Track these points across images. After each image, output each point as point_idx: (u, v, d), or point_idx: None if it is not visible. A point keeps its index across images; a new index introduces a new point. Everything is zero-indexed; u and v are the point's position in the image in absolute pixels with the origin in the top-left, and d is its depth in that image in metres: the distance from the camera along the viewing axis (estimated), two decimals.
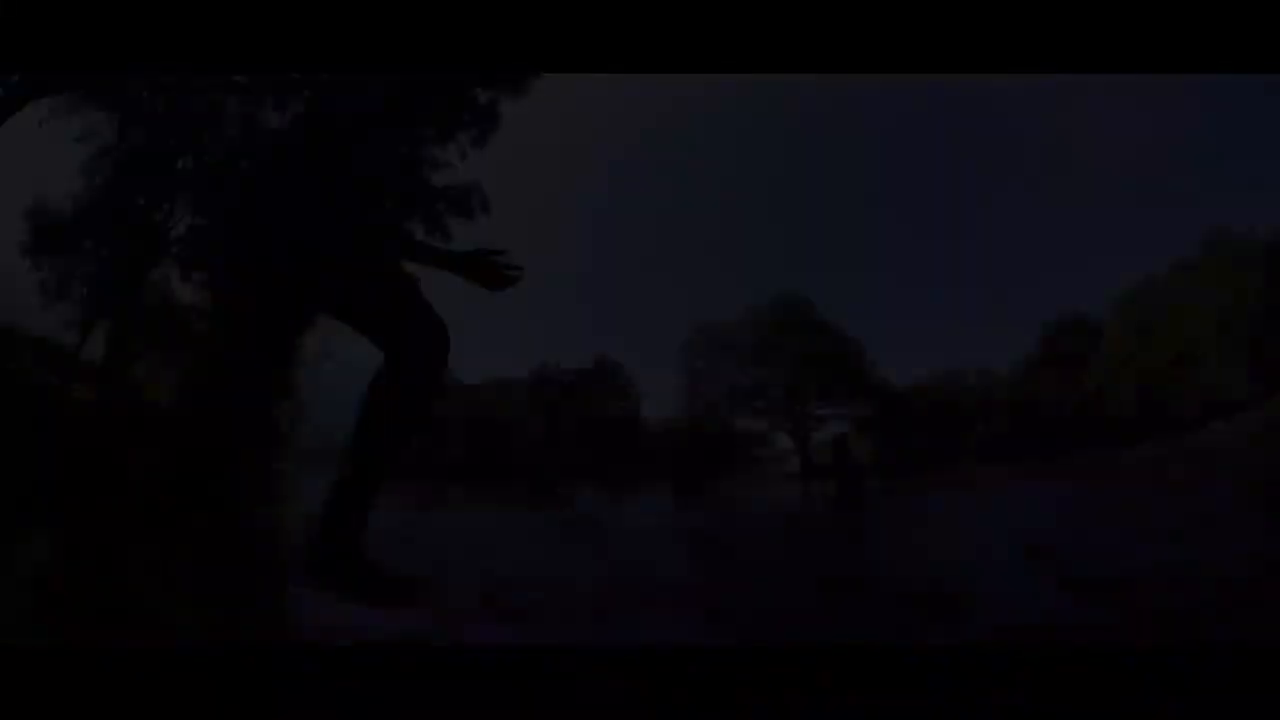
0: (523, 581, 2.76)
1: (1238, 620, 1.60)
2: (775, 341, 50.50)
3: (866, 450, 46.61)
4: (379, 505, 1.79)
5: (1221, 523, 3.39)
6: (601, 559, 3.91)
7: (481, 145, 18.15)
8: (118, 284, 24.74)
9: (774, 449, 54.61)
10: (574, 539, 5.44)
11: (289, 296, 1.79)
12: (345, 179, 1.78)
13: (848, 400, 51.01)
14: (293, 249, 1.74)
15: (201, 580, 2.14)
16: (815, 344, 50.01)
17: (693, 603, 2.49)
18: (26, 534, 2.34)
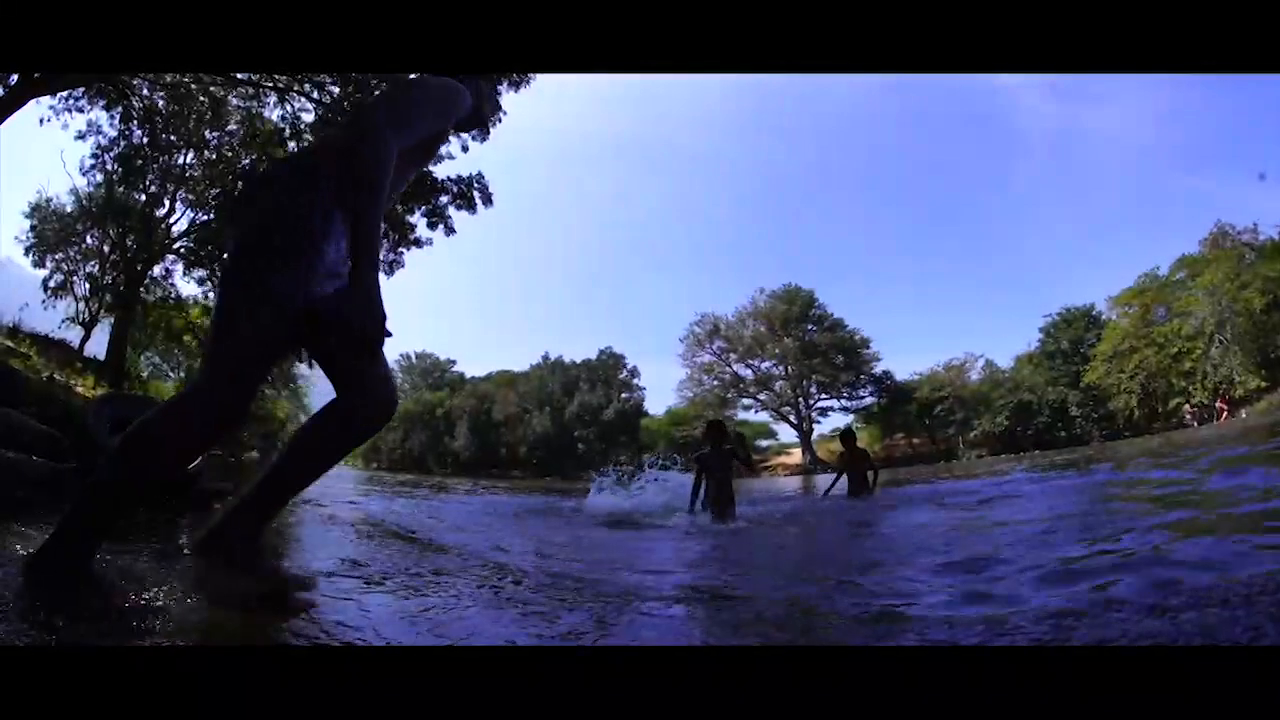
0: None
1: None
2: (779, 334, 50.55)
3: (870, 441, 46.66)
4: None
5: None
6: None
7: (484, 138, 18.11)
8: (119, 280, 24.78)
9: (778, 441, 54.78)
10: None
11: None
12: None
13: (851, 392, 51.12)
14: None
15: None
16: (818, 336, 50.07)
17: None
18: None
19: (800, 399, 50.82)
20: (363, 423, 1.84)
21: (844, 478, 8.80)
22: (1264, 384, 32.34)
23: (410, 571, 2.68)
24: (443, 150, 18.34)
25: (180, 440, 1.70)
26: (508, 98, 17.85)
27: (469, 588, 2.39)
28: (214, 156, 23.08)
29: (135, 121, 20.57)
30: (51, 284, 26.23)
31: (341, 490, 10.93)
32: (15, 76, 13.64)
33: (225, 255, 1.61)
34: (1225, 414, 31.14)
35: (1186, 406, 35.09)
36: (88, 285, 26.56)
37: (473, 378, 62.11)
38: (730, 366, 53.07)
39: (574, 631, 1.82)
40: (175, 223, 25.02)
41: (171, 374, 32.25)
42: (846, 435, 9.51)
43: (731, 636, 1.87)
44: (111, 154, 21.21)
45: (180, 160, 23.59)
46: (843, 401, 51.90)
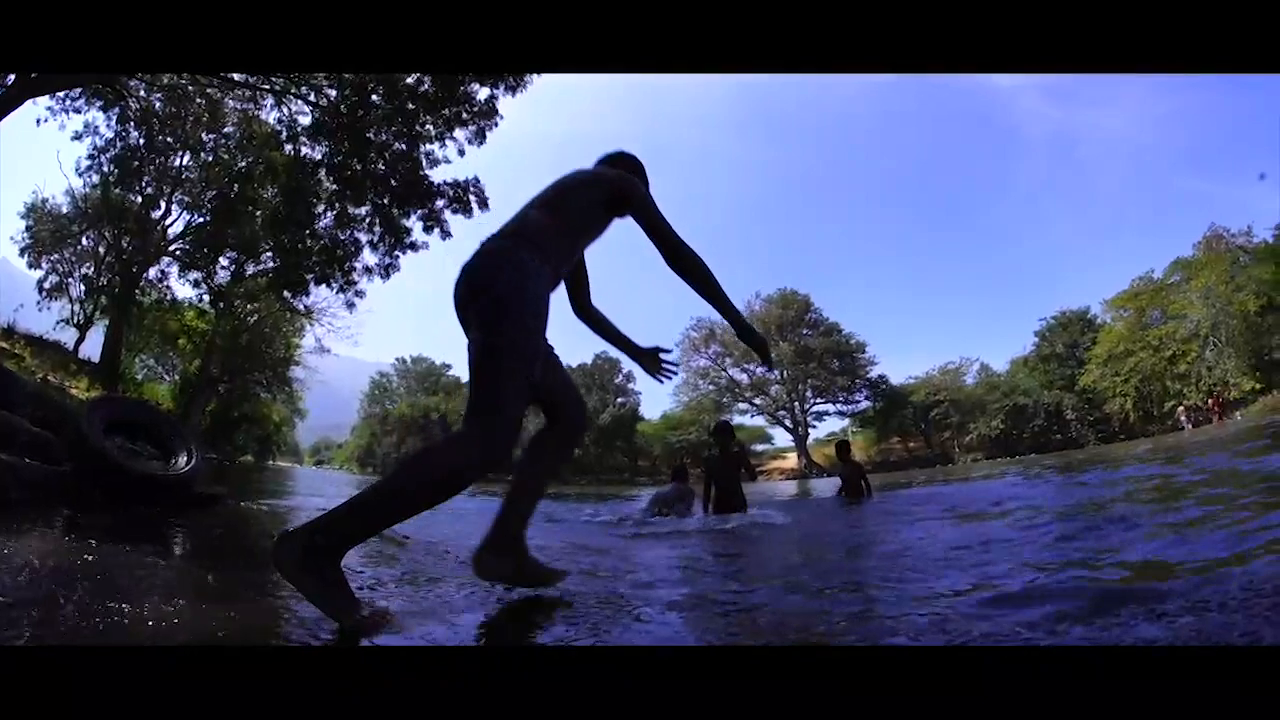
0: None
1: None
2: (775, 339, 50.59)
3: (866, 445, 46.74)
4: None
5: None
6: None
7: (480, 142, 18.12)
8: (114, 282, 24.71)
9: (774, 445, 54.80)
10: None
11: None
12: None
13: (847, 396, 51.18)
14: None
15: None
16: (814, 340, 50.14)
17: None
18: None
19: (796, 403, 50.90)
20: (578, 425, 2.35)
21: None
22: (1259, 386, 32.45)
23: (403, 577, 2.67)
24: (439, 154, 18.41)
25: (461, 469, 1.92)
26: (505, 101, 17.92)
27: (462, 592, 2.38)
28: (210, 159, 23.05)
29: (132, 123, 20.55)
30: (46, 285, 26.12)
31: (339, 495, 10.90)
32: (12, 76, 13.60)
33: (484, 323, 2.02)
34: (1218, 415, 31.21)
35: (1180, 408, 35.15)
36: (83, 287, 26.46)
37: (468, 382, 61.90)
38: (726, 371, 53.14)
39: (567, 639, 1.82)
40: (171, 225, 25.00)
41: (166, 376, 32.16)
42: (841, 446, 9.68)
43: (727, 641, 1.87)
44: (108, 155, 21.19)
45: (177, 162, 23.56)
46: (838, 405, 52.01)
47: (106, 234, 25.47)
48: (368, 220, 19.26)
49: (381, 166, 18.15)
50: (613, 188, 2.35)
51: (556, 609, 2.11)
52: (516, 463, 2.28)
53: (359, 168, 18.08)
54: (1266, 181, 45.20)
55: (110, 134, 20.58)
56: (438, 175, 18.63)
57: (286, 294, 22.64)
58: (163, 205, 24.65)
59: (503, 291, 2.00)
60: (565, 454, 2.35)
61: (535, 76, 17.37)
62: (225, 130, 22.27)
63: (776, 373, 50.65)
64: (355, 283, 20.09)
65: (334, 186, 18.75)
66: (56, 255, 26.75)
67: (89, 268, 26.70)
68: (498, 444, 1.91)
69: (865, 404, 51.59)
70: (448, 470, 1.89)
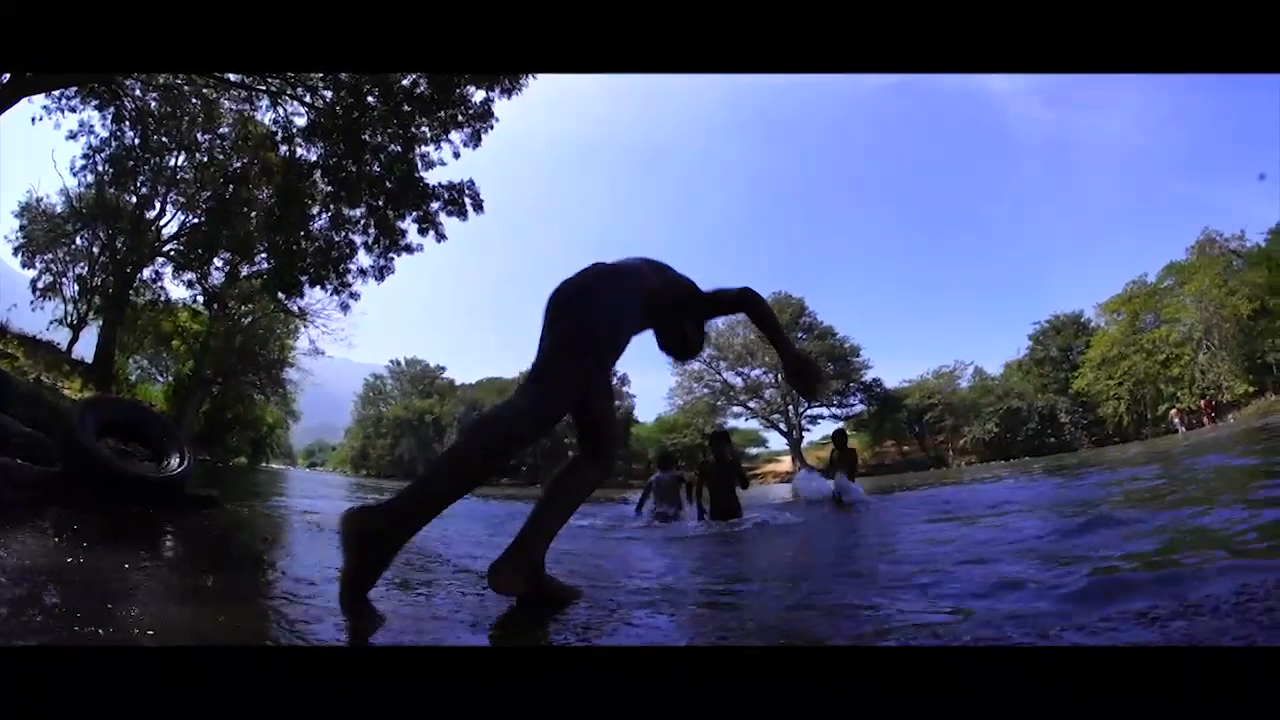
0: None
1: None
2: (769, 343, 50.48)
3: (861, 448, 46.75)
4: None
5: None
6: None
7: (476, 144, 18.10)
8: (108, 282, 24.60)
9: (768, 448, 54.84)
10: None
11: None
12: None
13: (841, 400, 51.21)
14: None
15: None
16: (809, 344, 50.13)
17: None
18: None
19: (790, 406, 50.84)
20: (610, 461, 2.45)
21: (829, 481, 8.98)
22: (1251, 389, 32.59)
23: (395, 580, 2.66)
24: (434, 156, 18.37)
25: (509, 432, 2.06)
26: (501, 104, 17.90)
27: (454, 596, 2.37)
28: (206, 159, 22.96)
29: (127, 122, 20.46)
30: (40, 285, 25.99)
31: (333, 497, 10.86)
32: (7, 75, 13.54)
33: (567, 339, 2.20)
34: (1210, 418, 31.32)
35: (1173, 411, 35.21)
36: (77, 287, 26.36)
37: (462, 384, 61.90)
38: (720, 374, 53.10)
39: (559, 642, 1.81)
40: (165, 225, 24.91)
41: (160, 377, 32.05)
42: (838, 434, 9.76)
43: (716, 642, 1.86)
44: (103, 155, 21.09)
45: (172, 162, 23.47)
46: (833, 409, 52.02)
47: (101, 234, 25.37)
48: (362, 222, 19.20)
49: (376, 168, 18.11)
50: (701, 291, 2.63)
51: (549, 613, 2.11)
52: (547, 484, 2.39)
53: (354, 169, 18.04)
54: (1260, 185, 45.42)
55: (105, 133, 20.51)
56: (433, 177, 18.61)
57: (281, 295, 22.56)
58: (157, 205, 24.57)
59: (595, 325, 2.20)
60: (594, 483, 2.46)
61: (531, 79, 17.38)
62: (220, 131, 22.19)
63: (771, 376, 50.66)
64: (350, 284, 20.01)
65: (329, 188, 18.69)
66: (50, 255, 26.64)
67: (83, 268, 26.61)
68: (543, 419, 2.08)
69: (860, 407, 51.65)
70: (498, 433, 2.04)
